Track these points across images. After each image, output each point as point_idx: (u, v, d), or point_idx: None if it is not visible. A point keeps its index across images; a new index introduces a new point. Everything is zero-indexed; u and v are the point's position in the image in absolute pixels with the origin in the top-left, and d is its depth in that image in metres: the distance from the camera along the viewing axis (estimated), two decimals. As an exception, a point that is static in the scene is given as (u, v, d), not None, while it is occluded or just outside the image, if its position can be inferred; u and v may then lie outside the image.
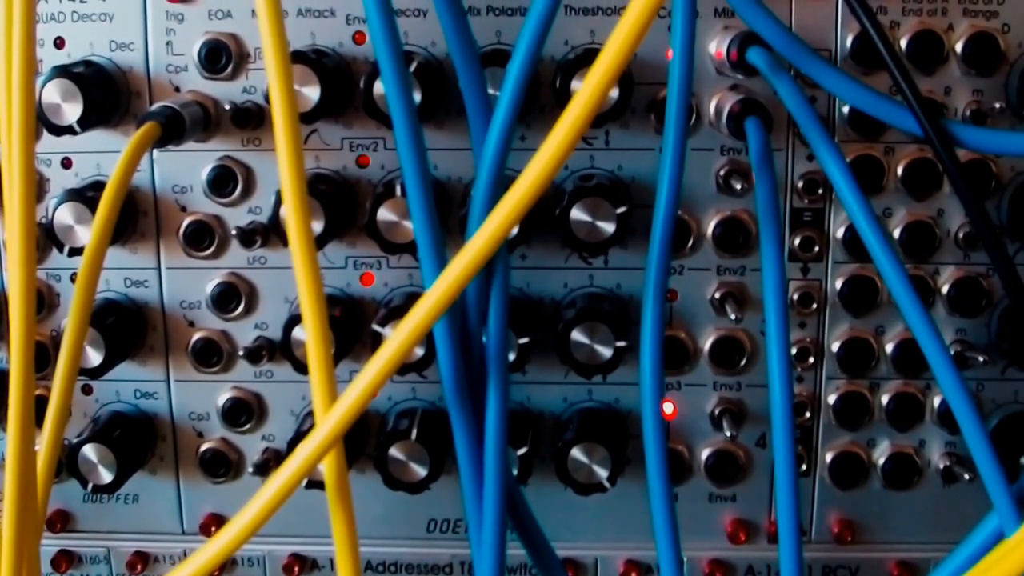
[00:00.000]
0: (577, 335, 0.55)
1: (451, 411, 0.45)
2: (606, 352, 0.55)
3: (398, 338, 0.41)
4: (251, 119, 0.57)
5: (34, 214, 0.45)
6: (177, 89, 0.57)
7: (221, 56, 0.56)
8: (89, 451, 0.58)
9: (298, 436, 0.58)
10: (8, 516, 0.45)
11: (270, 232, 0.57)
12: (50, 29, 0.57)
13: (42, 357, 0.60)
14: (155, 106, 0.55)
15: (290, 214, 0.43)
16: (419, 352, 0.55)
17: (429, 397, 0.61)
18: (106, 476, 0.58)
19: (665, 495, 0.45)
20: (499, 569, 0.43)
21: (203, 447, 0.61)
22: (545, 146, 0.38)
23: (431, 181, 0.44)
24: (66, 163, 0.59)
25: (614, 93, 0.53)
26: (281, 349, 0.57)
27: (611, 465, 0.56)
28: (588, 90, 0.37)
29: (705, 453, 0.60)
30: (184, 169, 0.58)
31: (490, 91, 0.48)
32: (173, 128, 0.54)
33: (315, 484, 0.56)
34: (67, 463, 0.59)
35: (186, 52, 0.57)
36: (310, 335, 0.43)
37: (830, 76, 0.47)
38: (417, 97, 0.53)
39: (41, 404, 0.61)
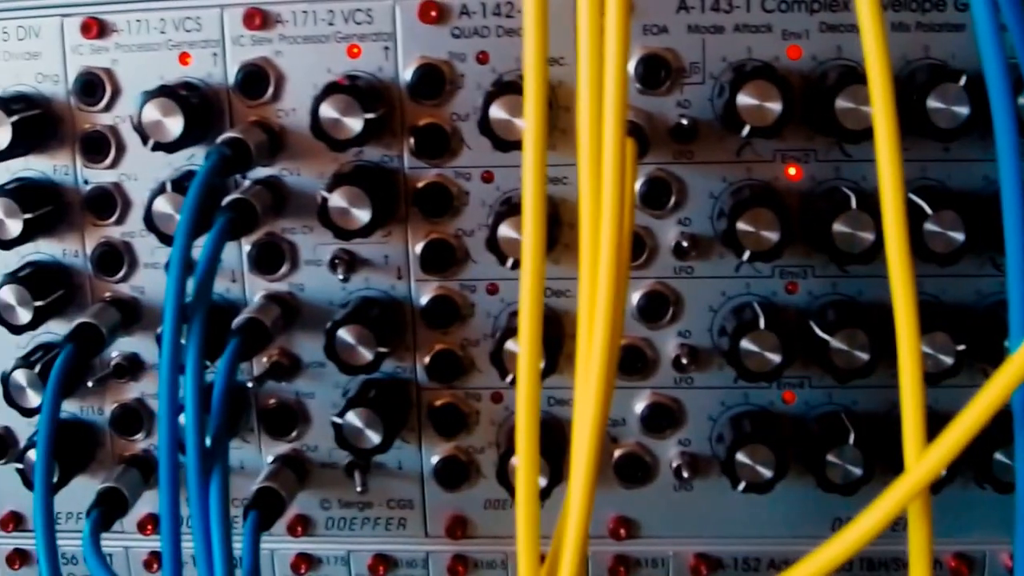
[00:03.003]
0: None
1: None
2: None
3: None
4: (687, 134, 0.58)
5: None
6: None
7: (660, 70, 0.58)
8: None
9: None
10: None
11: (699, 242, 0.59)
12: (473, 44, 0.59)
13: (454, 366, 0.61)
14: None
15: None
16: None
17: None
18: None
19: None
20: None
21: (618, 452, 0.62)
22: None
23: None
24: (486, 177, 0.60)
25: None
26: (727, 355, 0.58)
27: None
28: None
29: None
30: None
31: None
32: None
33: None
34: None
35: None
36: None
37: None
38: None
39: (449, 412, 0.63)
